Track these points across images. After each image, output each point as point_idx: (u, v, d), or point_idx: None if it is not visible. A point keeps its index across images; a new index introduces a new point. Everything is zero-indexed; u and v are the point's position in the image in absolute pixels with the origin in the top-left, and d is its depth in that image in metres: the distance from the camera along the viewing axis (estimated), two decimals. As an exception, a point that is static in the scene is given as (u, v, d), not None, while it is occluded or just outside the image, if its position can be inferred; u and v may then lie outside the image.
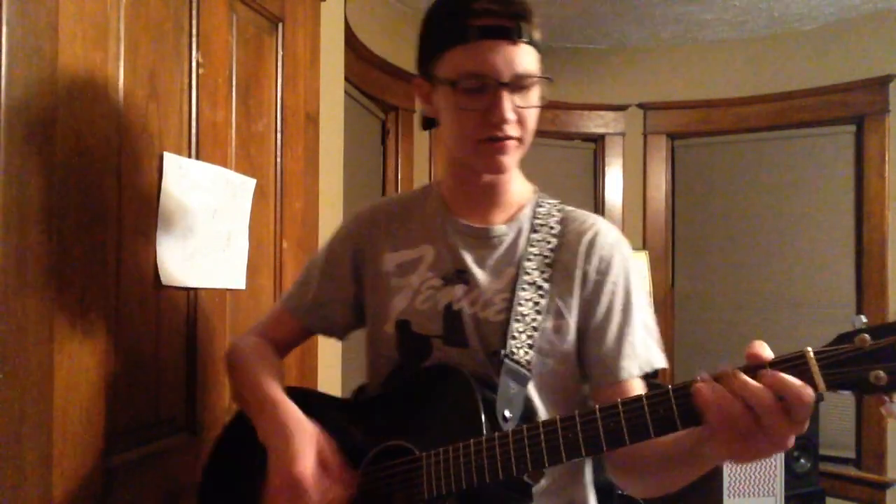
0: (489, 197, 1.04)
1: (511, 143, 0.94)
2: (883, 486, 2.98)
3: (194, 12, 1.21)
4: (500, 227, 1.03)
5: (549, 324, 0.97)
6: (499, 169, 0.97)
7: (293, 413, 0.93)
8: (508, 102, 0.91)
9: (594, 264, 0.99)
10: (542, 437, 0.79)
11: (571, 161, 3.62)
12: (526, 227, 1.03)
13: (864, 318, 0.66)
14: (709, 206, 3.51)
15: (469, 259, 1.01)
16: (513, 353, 0.93)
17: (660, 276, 3.46)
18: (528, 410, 0.94)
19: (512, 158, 0.96)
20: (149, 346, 1.12)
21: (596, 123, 3.56)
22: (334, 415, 1.01)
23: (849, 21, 3.13)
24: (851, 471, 3.07)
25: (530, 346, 0.94)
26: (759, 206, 3.36)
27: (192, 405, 1.23)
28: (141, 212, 1.10)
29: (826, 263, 3.19)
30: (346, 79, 2.13)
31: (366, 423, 0.99)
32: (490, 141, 0.93)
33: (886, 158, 3.05)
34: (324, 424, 0.96)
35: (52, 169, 0.89)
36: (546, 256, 1.00)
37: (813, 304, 3.17)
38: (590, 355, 0.98)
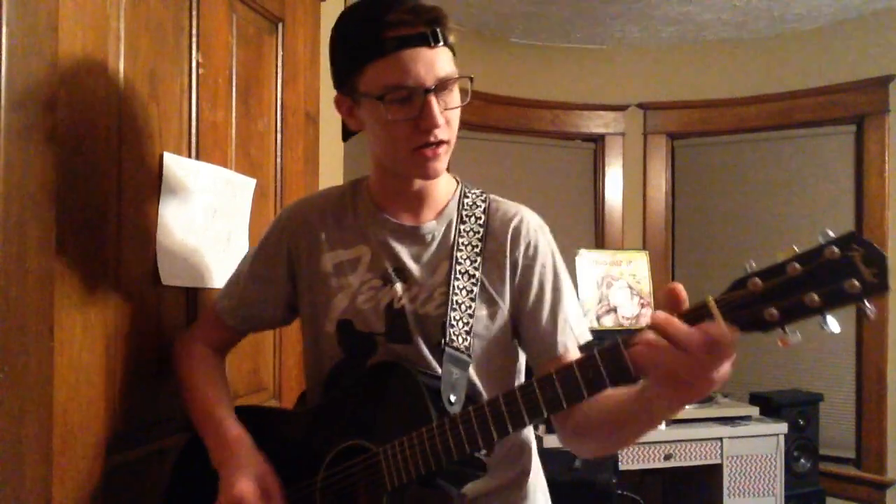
0: (419, 197, 1.06)
1: (442, 148, 0.96)
2: (883, 486, 2.98)
3: (194, 12, 1.21)
4: (431, 223, 1.06)
5: (484, 311, 1.02)
6: (433, 175, 0.99)
7: (242, 442, 1.00)
8: (437, 108, 0.92)
9: (521, 250, 1.04)
10: (489, 414, 0.85)
11: (571, 161, 3.62)
12: (454, 219, 1.06)
13: (753, 264, 0.72)
14: (709, 206, 3.51)
15: (405, 257, 1.04)
16: (452, 340, 0.98)
17: (660, 276, 3.46)
18: (472, 393, 0.99)
19: (443, 163, 0.99)
20: (149, 346, 1.12)
21: (596, 123, 3.56)
22: (286, 427, 1.08)
23: (849, 21, 3.13)
24: (851, 471, 3.07)
25: (468, 333, 0.99)
26: (759, 206, 3.36)
27: (192, 405, 1.23)
28: (141, 212, 1.10)
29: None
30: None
31: (319, 430, 1.02)
32: (423, 148, 0.95)
33: (886, 158, 3.05)
34: (277, 438, 1.03)
35: (51, 168, 0.89)
36: (475, 246, 1.04)
37: (813, 304, 3.17)
38: (527, 335, 1.04)
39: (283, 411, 1.17)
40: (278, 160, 1.52)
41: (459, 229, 1.05)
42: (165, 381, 1.16)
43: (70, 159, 0.92)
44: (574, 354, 1.02)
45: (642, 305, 3.08)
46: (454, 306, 0.99)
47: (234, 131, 1.35)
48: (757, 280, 0.71)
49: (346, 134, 1.09)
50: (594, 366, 0.79)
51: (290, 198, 1.56)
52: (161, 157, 1.13)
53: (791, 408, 2.86)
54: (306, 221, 1.10)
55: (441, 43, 0.92)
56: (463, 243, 1.04)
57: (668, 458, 2.67)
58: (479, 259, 1.03)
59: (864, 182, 3.10)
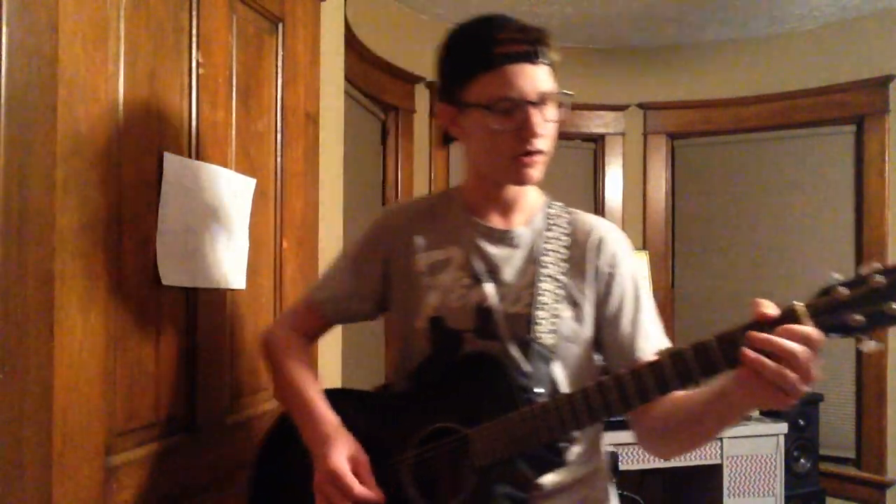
0: (510, 203, 1.14)
1: (539, 157, 1.05)
2: (883, 486, 2.98)
3: (194, 12, 1.21)
4: (520, 228, 1.13)
5: (569, 312, 1.08)
6: (529, 181, 1.07)
7: (331, 422, 1.06)
8: (538, 119, 1.01)
9: (605, 259, 1.11)
10: (579, 401, 0.93)
11: (571, 161, 3.62)
12: (541, 227, 1.14)
13: (837, 276, 0.82)
14: (709, 206, 3.51)
15: (495, 259, 1.11)
16: (538, 337, 1.05)
17: (660, 276, 3.46)
18: (555, 390, 1.05)
19: (539, 171, 1.07)
20: (149, 346, 1.12)
21: (596, 123, 3.56)
22: (377, 409, 1.15)
23: (849, 21, 3.13)
24: (851, 471, 3.07)
25: (552, 332, 1.06)
26: (759, 206, 3.36)
27: (192, 405, 1.23)
28: (141, 212, 1.10)
29: (826, 263, 3.19)
30: (346, 79, 2.13)
31: (410, 412, 1.09)
32: (522, 156, 1.03)
33: (886, 158, 3.05)
34: (368, 418, 1.10)
35: (51, 168, 0.89)
36: (561, 253, 1.11)
37: (813, 304, 3.17)
38: (607, 341, 1.11)
39: (374, 394, 1.23)
40: (278, 160, 1.52)
41: (546, 237, 1.12)
42: (165, 380, 1.16)
43: (70, 159, 0.92)
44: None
45: (642, 305, 3.08)
46: (539, 306, 1.06)
47: (234, 131, 1.35)
48: (842, 289, 0.80)
49: (447, 139, 1.16)
50: (684, 360, 0.86)
51: (290, 198, 1.56)
52: (161, 157, 1.13)
53: (791, 408, 2.86)
54: (402, 225, 1.18)
55: (544, 61, 1.02)
56: (549, 249, 1.11)
57: (668, 458, 2.67)
58: (564, 265, 1.10)
59: (864, 182, 3.10)
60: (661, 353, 0.91)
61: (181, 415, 1.21)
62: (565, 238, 1.13)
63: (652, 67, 3.53)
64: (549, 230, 1.13)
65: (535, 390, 1.01)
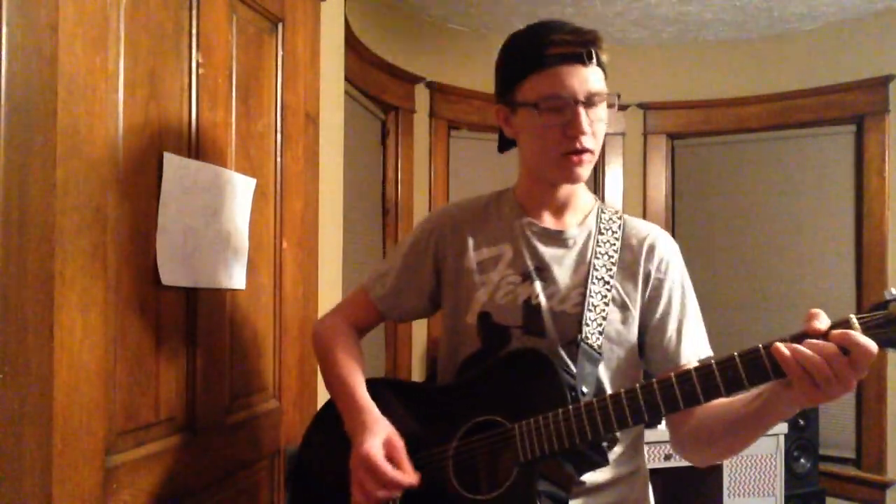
0: (563, 203, 1.16)
1: (587, 156, 1.06)
2: (883, 486, 2.98)
3: (194, 12, 1.21)
4: (573, 230, 1.15)
5: (617, 315, 1.10)
6: (576, 179, 1.09)
7: (372, 413, 1.09)
8: (585, 117, 1.03)
9: (655, 264, 1.13)
10: (625, 401, 0.93)
11: (571, 161, 3.62)
12: (593, 230, 1.16)
13: (893, 291, 0.81)
14: (709, 206, 3.51)
15: (546, 258, 1.13)
16: (587, 338, 1.07)
17: (660, 276, 3.46)
18: (599, 390, 1.06)
19: (587, 170, 1.08)
20: (149, 346, 1.12)
21: (596, 123, 3.56)
22: (423, 399, 1.16)
23: (849, 21, 3.13)
24: (851, 471, 3.07)
25: (600, 333, 1.08)
26: (759, 206, 3.36)
27: (192, 405, 1.23)
28: (141, 212, 1.10)
29: (826, 263, 3.19)
30: (346, 79, 2.13)
31: (455, 403, 1.10)
32: (570, 154, 1.05)
33: (886, 158, 3.05)
34: (414, 408, 1.13)
35: (51, 169, 0.89)
36: (611, 256, 1.13)
37: (813, 304, 3.11)
38: (652, 344, 1.12)
39: (419, 385, 1.27)
40: (278, 160, 1.52)
41: (598, 239, 1.14)
42: (165, 381, 1.16)
43: (70, 159, 0.92)
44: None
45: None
46: (590, 307, 1.08)
47: (233, 131, 1.35)
48: None
49: (503, 146, 1.21)
50: (734, 367, 0.87)
51: (290, 198, 1.56)
52: (161, 157, 1.13)
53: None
54: (454, 223, 1.21)
55: (594, 62, 1.05)
56: (600, 252, 1.13)
57: (667, 458, 2.67)
58: (614, 268, 1.12)
59: (864, 182, 3.10)
60: (705, 361, 0.92)
61: (181, 415, 1.21)
62: (616, 242, 1.14)
63: (652, 67, 3.53)
64: (601, 233, 1.15)
65: (582, 389, 1.03)
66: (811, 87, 3.21)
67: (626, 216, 1.20)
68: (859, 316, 0.83)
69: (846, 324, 0.82)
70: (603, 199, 3.59)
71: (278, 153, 1.52)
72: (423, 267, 1.22)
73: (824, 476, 3.00)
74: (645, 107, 3.54)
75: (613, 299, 1.10)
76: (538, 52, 1.05)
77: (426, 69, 3.11)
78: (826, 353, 0.80)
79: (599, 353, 1.07)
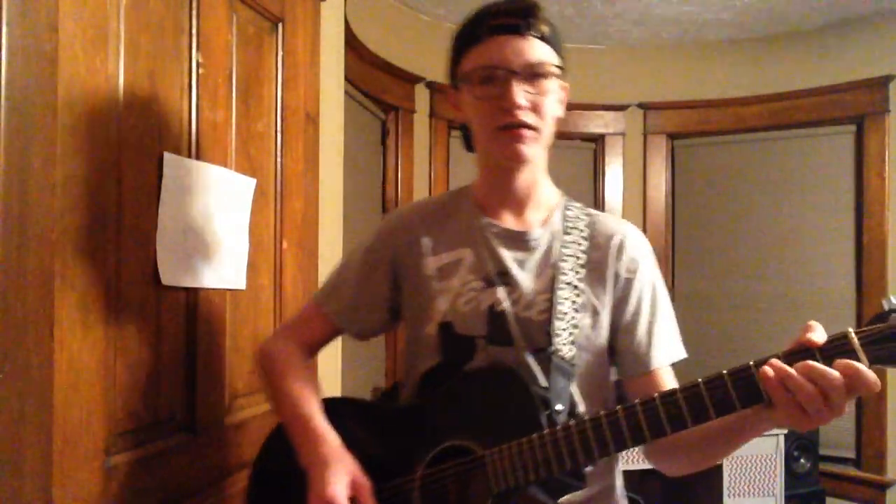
0: (522, 198, 1.09)
1: (527, 132, 1.00)
2: (883, 486, 2.98)
3: (194, 12, 1.21)
4: (537, 230, 1.08)
5: (587, 321, 1.04)
6: (516, 157, 1.01)
7: (329, 442, 1.00)
8: (518, 89, 0.97)
9: (625, 264, 1.07)
10: (606, 425, 0.86)
11: (571, 161, 3.62)
12: (559, 229, 1.09)
13: (893, 300, 0.74)
14: (709, 206, 3.51)
15: (509, 262, 1.06)
16: (558, 350, 1.00)
17: (660, 276, 3.46)
18: (571, 405, 1.00)
19: (529, 148, 1.01)
20: (149, 346, 1.12)
21: (596, 123, 3.56)
22: (381, 423, 1.07)
23: (849, 21, 3.13)
24: (851, 471, 3.07)
25: (572, 343, 1.01)
26: (759, 206, 3.36)
27: (191, 405, 1.23)
28: (141, 212, 1.10)
29: (826, 263, 3.19)
30: (346, 79, 2.13)
31: (418, 427, 1.02)
32: (506, 129, 0.99)
33: (886, 158, 3.05)
34: (371, 433, 1.04)
35: (51, 169, 0.89)
36: (579, 257, 1.06)
37: (813, 304, 3.17)
38: (622, 348, 1.06)
39: (377, 406, 1.18)
40: (278, 160, 1.52)
41: (564, 240, 1.07)
42: (165, 381, 1.16)
43: (70, 159, 0.92)
44: (666, 371, 1.06)
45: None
46: (559, 315, 1.01)
47: (234, 131, 1.35)
48: None
49: (467, 144, 1.13)
50: (723, 387, 0.80)
51: (290, 198, 1.56)
52: (161, 157, 1.13)
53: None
54: (410, 227, 1.13)
55: (533, 33, 0.99)
56: (567, 254, 1.06)
57: (668, 458, 2.67)
58: (582, 270, 1.05)
59: (864, 182, 3.10)
60: (696, 382, 0.84)
61: (181, 415, 1.21)
62: (584, 241, 1.08)
63: (652, 67, 3.53)
64: (567, 233, 1.08)
65: (556, 407, 0.96)
66: (811, 87, 3.22)
67: (594, 212, 1.14)
68: (858, 331, 0.75)
69: (843, 339, 0.75)
70: (603, 200, 3.61)
71: (278, 153, 1.52)
72: (379, 277, 1.13)
73: (824, 476, 3.00)
74: (645, 107, 3.54)
75: (583, 305, 1.04)
76: (475, 26, 1.02)
77: (426, 69, 3.11)
78: (823, 382, 0.73)
79: (572, 365, 1.00)
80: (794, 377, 0.74)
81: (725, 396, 0.80)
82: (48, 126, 0.88)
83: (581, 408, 1.02)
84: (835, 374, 0.73)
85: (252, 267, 1.41)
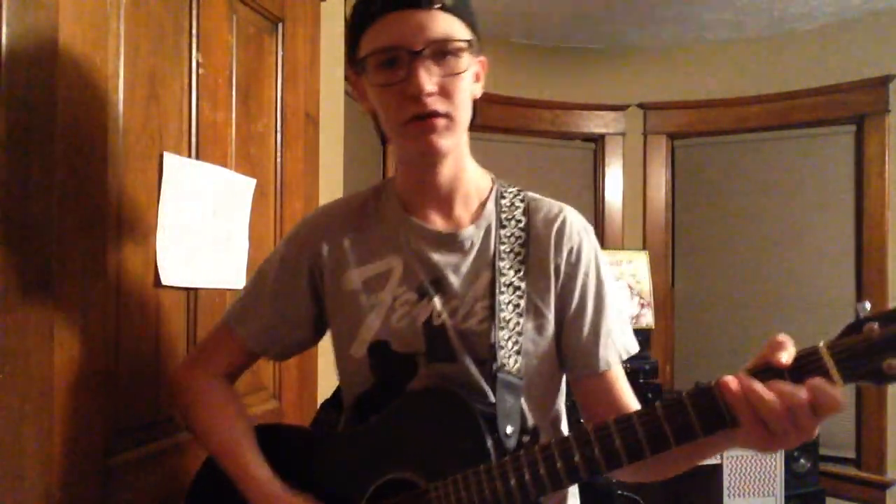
0: (447, 193, 0.97)
1: (439, 122, 0.86)
2: (883, 486, 2.97)
3: (194, 12, 1.21)
4: (468, 229, 0.97)
5: (531, 324, 0.94)
6: (432, 150, 0.88)
7: (267, 482, 0.92)
8: (424, 72, 0.84)
9: (565, 255, 0.96)
10: (559, 458, 0.77)
11: (571, 161, 3.62)
12: (493, 223, 0.97)
13: (867, 306, 0.67)
14: (709, 206, 3.50)
15: (442, 268, 0.95)
16: (504, 364, 0.90)
17: (660, 276, 3.46)
18: (523, 421, 0.91)
19: (444, 139, 0.88)
20: (149, 346, 1.12)
21: (596, 123, 3.56)
22: (318, 453, 0.97)
23: (849, 21, 3.12)
24: (851, 471, 3.07)
25: (518, 352, 0.91)
26: (759, 206, 3.36)
27: (192, 405, 1.23)
28: (141, 212, 1.10)
29: (826, 263, 3.19)
30: (347, 79, 2.13)
31: (358, 457, 0.92)
32: (415, 120, 0.86)
33: (886, 158, 3.05)
34: (309, 465, 0.95)
35: (52, 169, 0.89)
36: (517, 253, 0.95)
37: (813, 304, 3.17)
38: (568, 348, 0.96)
39: (313, 434, 1.06)
40: (278, 160, 1.52)
41: (500, 235, 0.96)
42: (165, 381, 1.16)
43: (70, 159, 0.92)
44: (617, 371, 0.96)
45: (642, 305, 3.08)
46: (501, 324, 0.91)
47: (234, 131, 1.35)
48: (874, 325, 0.65)
49: (382, 135, 0.99)
50: (683, 411, 0.72)
51: (290, 198, 1.56)
52: (161, 157, 1.13)
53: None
54: (327, 234, 1.01)
55: (436, 6, 0.84)
56: (505, 251, 0.95)
57: (667, 458, 2.67)
58: (522, 268, 0.94)
59: (864, 182, 3.10)
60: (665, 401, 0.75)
61: (180, 415, 1.21)
62: (522, 234, 0.96)
63: (652, 67, 3.53)
64: (503, 226, 0.96)
65: (507, 429, 0.86)
66: (811, 87, 3.21)
67: (530, 196, 1.01)
68: (830, 344, 0.67)
69: (815, 355, 0.67)
70: (603, 200, 3.61)
71: (278, 153, 1.52)
72: (297, 292, 1.01)
73: (824, 476, 3.00)
74: (645, 107, 3.54)
75: (527, 307, 0.93)
76: (369, 2, 0.86)
77: (426, 69, 3.10)
78: (790, 400, 0.66)
79: (520, 379, 0.90)
80: (757, 391, 0.67)
81: (685, 422, 0.71)
82: (48, 126, 0.88)
83: (529, 421, 0.93)
84: (800, 391, 0.66)
85: (252, 267, 1.40)
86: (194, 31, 1.21)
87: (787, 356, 0.68)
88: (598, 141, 3.60)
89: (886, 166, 3.04)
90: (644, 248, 3.48)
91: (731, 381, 0.69)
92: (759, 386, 0.68)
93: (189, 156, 1.21)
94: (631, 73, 3.54)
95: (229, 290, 1.34)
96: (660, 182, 3.57)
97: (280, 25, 1.51)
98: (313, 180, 1.68)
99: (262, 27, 1.46)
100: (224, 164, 1.31)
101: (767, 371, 0.69)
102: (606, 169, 3.58)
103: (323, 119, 1.74)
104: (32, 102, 0.86)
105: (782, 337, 0.70)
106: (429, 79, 0.84)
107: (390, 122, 0.89)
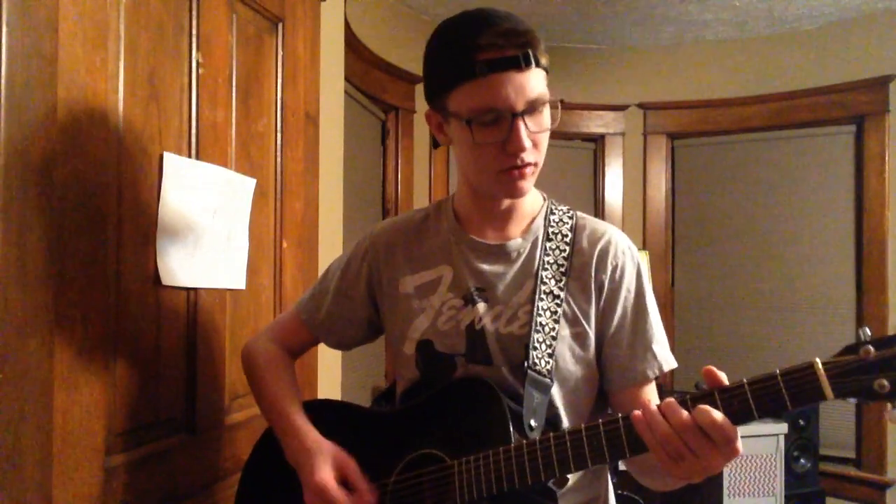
0: (505, 215, 1.06)
1: (529, 170, 0.95)
2: (883, 486, 2.98)
3: (194, 12, 1.21)
4: (516, 240, 1.05)
5: (568, 331, 1.01)
6: (519, 194, 0.99)
7: (312, 435, 1.03)
8: (525, 131, 0.91)
9: (608, 273, 1.02)
10: (569, 444, 0.85)
11: (571, 161, 3.62)
12: (540, 236, 1.06)
13: (868, 331, 0.72)
14: (709, 206, 3.51)
15: (489, 276, 1.04)
16: (535, 363, 0.97)
17: (660, 276, 3.46)
18: (553, 416, 0.98)
19: (530, 182, 0.98)
20: (149, 346, 1.12)
21: (596, 123, 3.56)
22: (361, 426, 1.08)
23: (849, 21, 3.13)
24: (851, 471, 3.07)
25: (550, 355, 0.98)
26: (759, 207, 3.36)
27: (191, 405, 1.23)
28: (141, 212, 1.10)
29: (826, 263, 3.19)
30: (346, 79, 2.13)
31: (395, 433, 1.03)
32: (510, 170, 0.94)
33: (886, 158, 3.05)
34: (352, 436, 1.04)
35: (51, 169, 0.89)
36: (560, 265, 1.03)
37: (813, 304, 3.17)
38: (607, 360, 1.03)
39: (359, 409, 1.16)
40: (278, 160, 1.52)
41: (545, 247, 1.04)
42: (165, 381, 1.16)
43: (70, 159, 0.92)
44: (652, 385, 1.04)
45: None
46: (538, 327, 0.98)
47: (234, 131, 1.35)
48: (870, 348, 0.70)
49: (437, 143, 1.10)
50: (598, 435, 0.83)
51: (290, 198, 1.56)
52: (161, 157, 1.13)
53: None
54: (388, 245, 1.12)
55: (533, 65, 0.90)
56: (549, 262, 1.02)
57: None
58: (564, 279, 1.02)
59: (864, 182, 3.10)
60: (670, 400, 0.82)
61: (180, 415, 1.21)
62: (567, 247, 1.04)
63: (652, 67, 3.53)
64: (549, 239, 1.04)
65: (531, 423, 0.94)
66: (811, 87, 3.22)
67: (579, 215, 1.09)
68: (825, 361, 0.72)
69: (809, 369, 0.72)
70: (603, 200, 3.61)
71: (278, 153, 1.52)
72: (357, 294, 1.14)
73: (824, 476, 3.00)
74: (645, 107, 3.54)
75: (564, 314, 1.00)
76: (467, 57, 0.90)
77: (426, 69, 3.10)
78: (677, 423, 0.75)
79: (550, 379, 0.97)
80: (656, 415, 0.77)
81: (607, 443, 0.83)
82: (48, 126, 0.88)
83: (565, 421, 1.00)
84: (684, 412, 0.75)
85: (252, 267, 1.41)
86: (194, 31, 1.21)
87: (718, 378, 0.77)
88: (598, 141, 3.60)
89: (886, 166, 3.04)
90: (644, 247, 3.48)
91: (637, 412, 0.79)
92: (656, 411, 0.77)
93: (189, 156, 1.21)
94: (631, 73, 3.54)
95: (229, 290, 1.34)
96: (660, 182, 3.57)
97: (280, 25, 1.51)
98: (313, 180, 1.68)
99: (262, 27, 1.46)
100: (224, 164, 1.31)
101: (702, 398, 0.77)
102: (606, 169, 3.59)
103: (323, 119, 1.74)
104: (32, 102, 0.86)
105: (711, 370, 0.77)
106: (527, 136, 0.92)
107: (484, 170, 0.97)
